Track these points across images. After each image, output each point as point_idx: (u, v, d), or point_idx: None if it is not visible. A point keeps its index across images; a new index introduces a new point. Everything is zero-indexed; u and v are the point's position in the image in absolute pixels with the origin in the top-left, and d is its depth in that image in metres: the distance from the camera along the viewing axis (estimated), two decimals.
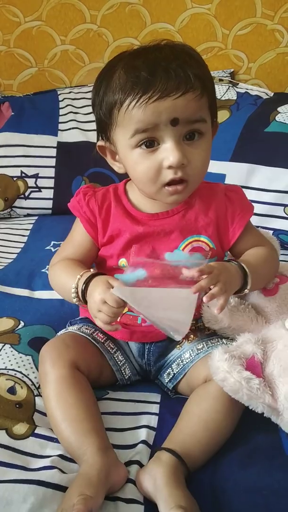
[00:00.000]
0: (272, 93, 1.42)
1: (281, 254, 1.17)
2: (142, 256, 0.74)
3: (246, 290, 0.73)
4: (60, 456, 0.66)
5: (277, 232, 1.22)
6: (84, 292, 0.70)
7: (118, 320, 0.76)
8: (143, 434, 0.70)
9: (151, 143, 0.68)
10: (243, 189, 0.83)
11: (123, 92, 0.67)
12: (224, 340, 0.76)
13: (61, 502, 0.58)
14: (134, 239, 0.76)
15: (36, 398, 0.75)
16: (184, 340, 0.79)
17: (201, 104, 0.68)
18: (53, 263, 0.81)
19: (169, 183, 0.70)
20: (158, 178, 0.69)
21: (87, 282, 0.70)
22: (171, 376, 0.78)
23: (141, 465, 0.66)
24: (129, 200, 0.78)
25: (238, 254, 0.80)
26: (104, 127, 0.72)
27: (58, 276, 0.78)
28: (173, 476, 0.61)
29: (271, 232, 1.20)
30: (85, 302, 0.71)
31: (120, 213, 0.77)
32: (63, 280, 0.76)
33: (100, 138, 0.75)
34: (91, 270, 0.74)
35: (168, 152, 0.67)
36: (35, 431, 0.70)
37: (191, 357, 0.76)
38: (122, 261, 0.77)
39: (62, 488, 0.61)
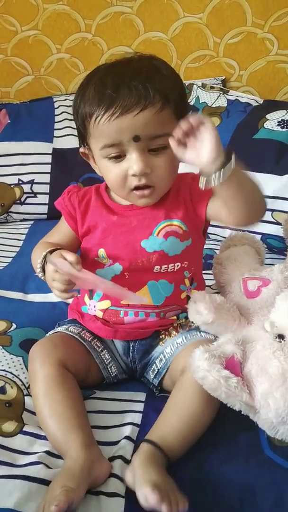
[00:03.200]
0: (262, 100, 1.45)
1: (268, 258, 1.21)
2: (119, 248, 0.79)
3: (227, 166, 0.66)
4: (47, 452, 0.69)
5: (265, 236, 1.25)
6: (44, 265, 0.77)
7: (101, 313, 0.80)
8: (127, 430, 0.73)
9: (117, 156, 0.74)
10: None
11: (91, 107, 0.73)
12: (202, 334, 0.79)
13: (45, 495, 0.61)
14: (109, 228, 0.81)
15: (25, 397, 0.78)
16: (166, 337, 0.82)
17: (163, 117, 0.71)
18: (36, 245, 0.86)
19: (136, 188, 0.75)
20: (125, 184, 0.76)
21: (45, 256, 0.76)
22: (155, 372, 0.80)
23: (124, 459, 0.68)
24: (109, 195, 0.84)
25: (217, 216, 0.79)
26: (82, 135, 0.78)
27: (33, 253, 0.84)
28: (149, 459, 0.64)
29: (259, 236, 1.23)
30: None
31: (98, 205, 0.83)
32: (35, 257, 0.82)
33: (81, 145, 0.81)
34: (58, 248, 0.79)
35: (132, 162, 0.73)
36: (24, 429, 0.72)
37: (171, 351, 0.79)
38: (101, 251, 0.81)
39: (47, 483, 0.64)
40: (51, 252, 0.77)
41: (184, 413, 0.70)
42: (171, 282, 0.81)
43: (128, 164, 0.73)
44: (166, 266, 0.80)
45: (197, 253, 0.86)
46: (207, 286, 0.93)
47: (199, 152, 0.67)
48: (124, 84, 0.70)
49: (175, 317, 0.83)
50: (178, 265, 0.80)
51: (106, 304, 0.82)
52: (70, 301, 0.93)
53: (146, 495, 0.59)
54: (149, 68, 0.73)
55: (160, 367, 0.80)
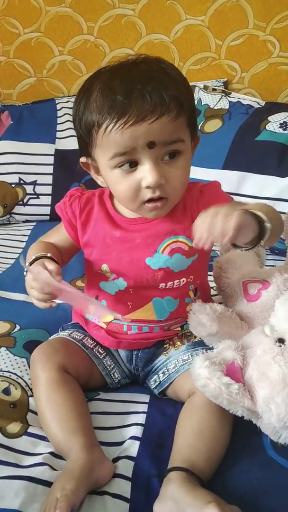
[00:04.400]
0: (264, 102, 1.46)
1: (271, 259, 1.22)
2: (122, 265, 0.77)
3: (262, 240, 0.65)
4: (51, 453, 0.70)
5: None
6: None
7: (100, 321, 0.80)
8: (131, 431, 0.74)
9: (130, 165, 0.69)
10: (235, 196, 0.84)
11: (100, 115, 0.67)
12: (209, 351, 0.77)
13: (47, 497, 0.62)
14: (112, 244, 0.77)
15: (29, 398, 0.79)
16: (170, 347, 0.82)
17: (178, 124, 0.68)
18: (34, 243, 0.84)
19: (149, 200, 0.71)
20: (138, 197, 0.71)
21: (31, 263, 0.74)
22: (157, 383, 0.81)
23: (130, 458, 0.69)
24: (113, 204, 0.80)
25: None
26: (85, 145, 0.73)
27: (29, 251, 0.81)
28: (189, 484, 0.62)
29: None
30: None
31: (101, 217, 0.79)
32: (29, 255, 0.79)
33: (82, 154, 0.76)
34: (48, 254, 0.76)
35: (146, 172, 0.68)
36: (28, 430, 0.73)
37: (176, 368, 0.79)
38: (104, 266, 0.79)
39: (51, 485, 0.64)
40: (39, 258, 0.74)
41: (206, 433, 0.68)
42: (176, 297, 0.80)
43: (141, 175, 0.69)
44: (171, 282, 0.78)
45: (203, 266, 0.84)
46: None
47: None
48: (136, 90, 0.65)
49: (179, 328, 0.83)
50: (183, 281, 0.79)
51: (109, 317, 0.81)
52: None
53: None
54: (160, 72, 0.68)
55: (163, 380, 0.80)
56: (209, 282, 0.90)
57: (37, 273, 0.70)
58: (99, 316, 0.78)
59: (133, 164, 0.69)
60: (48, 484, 0.65)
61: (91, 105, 0.69)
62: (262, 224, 0.64)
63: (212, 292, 0.94)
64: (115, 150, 0.68)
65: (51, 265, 0.71)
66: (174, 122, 0.68)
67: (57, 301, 0.72)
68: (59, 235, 0.83)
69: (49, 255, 0.75)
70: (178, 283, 0.79)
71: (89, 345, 0.83)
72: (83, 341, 0.83)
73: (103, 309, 0.76)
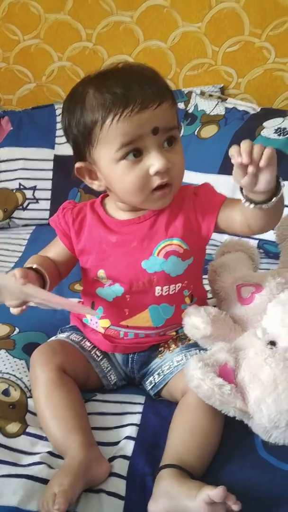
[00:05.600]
0: (259, 108, 1.48)
1: (265, 263, 1.24)
2: (119, 269, 0.78)
3: (276, 197, 0.68)
4: (49, 452, 0.72)
5: (262, 241, 1.27)
6: None
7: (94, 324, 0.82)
8: (127, 431, 0.75)
9: (136, 154, 0.71)
10: (225, 196, 0.82)
11: (104, 110, 0.69)
12: (202, 352, 0.79)
13: (44, 491, 0.64)
14: (109, 250, 0.79)
15: (28, 399, 0.81)
16: (165, 350, 0.84)
17: (173, 112, 0.74)
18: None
19: (156, 188, 0.73)
20: (146, 185, 0.72)
21: None
22: (152, 385, 0.83)
23: (125, 457, 0.71)
24: (105, 209, 0.82)
25: (226, 229, 0.80)
26: (83, 148, 0.74)
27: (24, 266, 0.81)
28: (181, 477, 0.64)
29: (256, 242, 1.26)
30: None
31: (95, 223, 0.80)
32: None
33: (77, 160, 0.77)
34: (34, 266, 0.76)
35: (153, 159, 0.71)
36: (27, 430, 0.75)
37: (170, 369, 0.81)
38: (101, 272, 0.80)
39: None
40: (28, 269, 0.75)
41: (197, 431, 0.70)
42: (172, 304, 0.81)
43: (148, 162, 0.71)
44: (167, 287, 0.79)
45: (198, 270, 0.85)
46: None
47: (256, 179, 0.65)
48: (134, 83, 0.69)
49: (174, 333, 0.84)
50: (179, 285, 0.80)
51: (106, 323, 0.83)
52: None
53: (210, 495, 0.59)
54: (146, 71, 0.73)
55: (158, 381, 0.82)
56: (204, 287, 0.91)
57: (5, 283, 0.71)
58: (78, 310, 0.78)
59: (138, 154, 0.71)
60: (46, 482, 0.66)
61: (89, 105, 0.71)
62: (279, 180, 0.67)
63: (207, 295, 0.96)
64: (122, 140, 0.70)
65: (17, 271, 0.71)
66: (171, 110, 0.73)
67: (31, 304, 0.73)
68: (55, 249, 0.84)
69: (34, 266, 0.76)
70: (174, 288, 0.80)
71: (87, 348, 0.85)
72: (81, 343, 0.85)
73: (77, 307, 0.77)
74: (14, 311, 0.73)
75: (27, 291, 0.70)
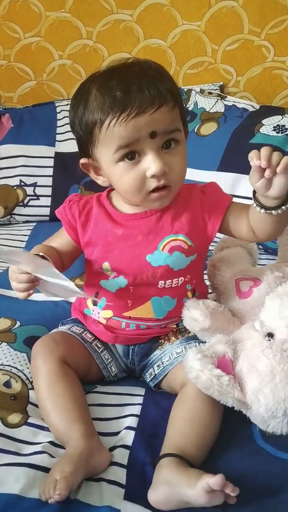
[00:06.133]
0: (258, 106, 1.49)
1: (264, 259, 1.25)
2: (124, 262, 0.79)
3: (284, 207, 0.71)
4: (51, 442, 0.73)
5: None
6: None
7: (99, 318, 0.83)
8: (127, 421, 0.77)
9: (132, 156, 0.72)
10: (232, 196, 0.84)
11: (102, 112, 0.71)
12: (201, 344, 0.80)
13: (46, 478, 0.65)
14: (114, 242, 0.80)
15: (29, 391, 0.82)
16: (165, 342, 0.85)
17: (174, 115, 0.73)
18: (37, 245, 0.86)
19: (153, 190, 0.74)
20: (143, 187, 0.74)
21: None
22: (152, 376, 0.84)
23: (125, 447, 0.72)
24: (111, 203, 0.83)
25: (232, 232, 0.82)
26: (86, 145, 0.76)
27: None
28: (181, 466, 0.65)
29: None
30: None
31: (101, 216, 0.81)
32: None
33: (82, 156, 0.79)
34: (40, 254, 0.77)
35: (150, 162, 0.71)
36: (28, 421, 0.76)
37: (170, 360, 0.82)
38: (106, 264, 0.81)
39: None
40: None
41: (196, 421, 0.71)
42: (174, 297, 0.82)
43: (145, 165, 0.72)
44: (170, 281, 0.80)
45: (200, 265, 0.86)
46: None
47: (270, 184, 0.68)
48: (134, 86, 0.69)
49: (174, 326, 0.85)
50: (181, 279, 0.81)
51: (109, 313, 0.84)
52: (73, 299, 0.93)
53: (209, 483, 0.60)
54: (152, 70, 0.73)
55: (158, 373, 0.83)
56: (205, 282, 0.92)
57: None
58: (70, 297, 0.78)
59: (136, 156, 0.72)
60: (47, 470, 0.68)
61: (90, 105, 0.72)
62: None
63: (209, 290, 0.97)
64: (118, 143, 0.71)
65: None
66: (171, 113, 0.72)
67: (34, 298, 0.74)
68: (60, 239, 0.85)
69: (40, 254, 0.77)
70: (177, 282, 0.81)
71: (88, 339, 0.86)
72: (82, 335, 0.86)
73: (79, 292, 0.76)
74: (20, 295, 0.74)
75: (38, 262, 0.72)
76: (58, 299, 1.09)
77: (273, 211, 0.71)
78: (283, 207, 0.71)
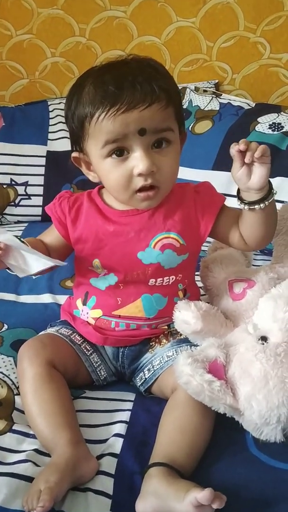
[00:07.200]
0: (254, 104, 1.47)
1: (260, 260, 1.23)
2: (115, 259, 0.78)
3: (267, 201, 0.72)
4: (35, 450, 0.70)
5: None
6: None
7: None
8: (116, 428, 0.74)
9: (121, 152, 0.71)
10: (225, 196, 0.84)
11: (93, 106, 0.70)
12: (193, 348, 0.78)
13: (29, 488, 0.62)
14: (105, 239, 0.79)
15: (15, 397, 0.79)
16: (156, 344, 0.83)
17: (167, 114, 0.72)
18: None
19: (140, 189, 0.73)
20: (130, 186, 0.73)
21: None
22: (142, 380, 0.81)
23: (113, 455, 0.69)
24: (103, 199, 0.82)
25: (224, 237, 0.83)
26: (77, 139, 0.76)
27: None
28: (170, 477, 0.63)
29: None
30: None
31: (92, 212, 0.80)
32: None
33: (74, 149, 0.78)
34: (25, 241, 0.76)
35: (137, 160, 0.70)
36: (13, 428, 0.74)
37: (161, 364, 0.80)
38: (96, 261, 0.80)
39: None
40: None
41: (187, 428, 0.69)
42: (165, 295, 0.81)
43: (132, 163, 0.71)
44: (161, 279, 0.79)
45: (192, 265, 0.85)
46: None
47: (250, 173, 0.70)
48: (128, 82, 0.69)
49: (166, 327, 0.83)
50: (173, 278, 0.80)
51: (98, 313, 0.82)
52: (62, 301, 0.92)
53: (197, 497, 0.58)
54: (149, 67, 0.72)
55: (148, 377, 0.81)
56: (197, 283, 0.90)
57: None
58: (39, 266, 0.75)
59: (124, 153, 0.71)
60: (31, 480, 0.65)
61: (83, 98, 0.72)
62: (271, 186, 0.73)
63: (201, 292, 0.95)
64: (106, 137, 0.71)
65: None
66: (164, 111, 0.71)
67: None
68: (50, 235, 0.84)
69: (18, 236, 0.75)
70: (168, 280, 0.80)
71: (77, 341, 0.84)
72: (71, 337, 0.84)
73: (49, 260, 0.74)
74: None
75: (10, 236, 0.71)
76: (48, 301, 1.07)
77: (255, 206, 0.72)
78: (265, 202, 0.72)
